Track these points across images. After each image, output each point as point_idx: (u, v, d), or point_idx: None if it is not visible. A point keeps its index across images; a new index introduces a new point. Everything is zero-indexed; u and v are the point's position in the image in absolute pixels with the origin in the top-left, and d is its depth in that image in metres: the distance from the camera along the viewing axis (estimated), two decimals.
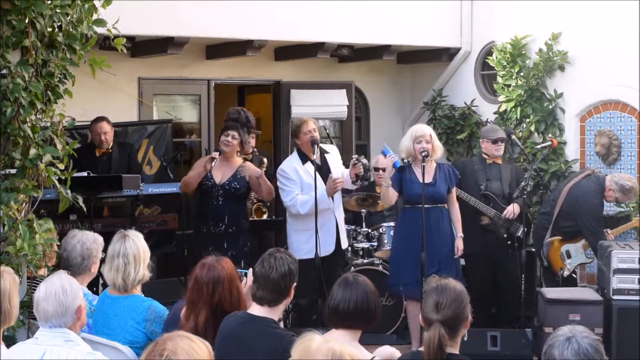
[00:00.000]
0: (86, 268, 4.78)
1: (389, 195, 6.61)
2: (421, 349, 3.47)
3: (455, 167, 7.61)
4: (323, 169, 6.79)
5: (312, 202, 6.51)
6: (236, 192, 6.80)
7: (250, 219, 7.40)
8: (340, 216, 6.97)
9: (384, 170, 7.79)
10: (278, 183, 6.87)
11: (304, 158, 6.80)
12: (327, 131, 8.80)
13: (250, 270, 4.02)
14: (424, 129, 6.69)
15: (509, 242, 7.24)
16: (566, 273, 7.15)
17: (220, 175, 6.79)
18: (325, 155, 6.93)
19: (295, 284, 3.89)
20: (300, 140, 6.81)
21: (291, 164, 6.86)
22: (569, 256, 7.22)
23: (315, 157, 6.59)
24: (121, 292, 4.43)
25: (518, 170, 7.56)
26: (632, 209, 7.84)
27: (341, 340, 3.45)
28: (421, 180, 6.47)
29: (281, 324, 3.92)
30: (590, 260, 7.26)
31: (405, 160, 6.66)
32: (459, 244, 6.70)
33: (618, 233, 7.25)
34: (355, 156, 6.89)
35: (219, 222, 6.75)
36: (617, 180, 7.12)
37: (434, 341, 3.32)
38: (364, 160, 6.76)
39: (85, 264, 4.77)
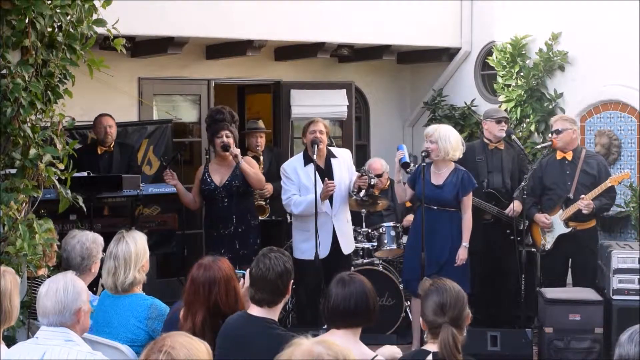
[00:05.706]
0: (86, 268, 4.78)
1: (400, 191, 6.76)
2: (428, 347, 3.47)
3: None
4: (325, 173, 6.73)
5: (305, 204, 6.57)
6: (238, 190, 6.72)
7: None
8: (341, 222, 6.82)
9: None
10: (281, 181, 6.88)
11: (307, 159, 6.74)
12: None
13: (248, 270, 4.01)
14: (430, 129, 6.63)
15: (511, 237, 7.19)
16: (548, 247, 7.08)
17: (219, 177, 6.74)
18: (332, 159, 6.84)
19: (292, 281, 3.89)
20: (306, 139, 6.79)
21: (292, 164, 6.84)
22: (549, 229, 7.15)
23: (315, 157, 6.56)
24: (118, 292, 4.44)
25: (521, 156, 7.33)
26: (632, 208, 7.84)
27: (343, 339, 3.45)
28: (432, 181, 6.52)
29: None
30: (569, 230, 6.95)
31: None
32: (461, 253, 6.51)
33: (593, 196, 6.87)
34: (364, 169, 6.89)
35: (228, 224, 6.70)
36: None
37: (449, 342, 3.31)
38: (372, 178, 6.78)
39: (85, 264, 4.77)
